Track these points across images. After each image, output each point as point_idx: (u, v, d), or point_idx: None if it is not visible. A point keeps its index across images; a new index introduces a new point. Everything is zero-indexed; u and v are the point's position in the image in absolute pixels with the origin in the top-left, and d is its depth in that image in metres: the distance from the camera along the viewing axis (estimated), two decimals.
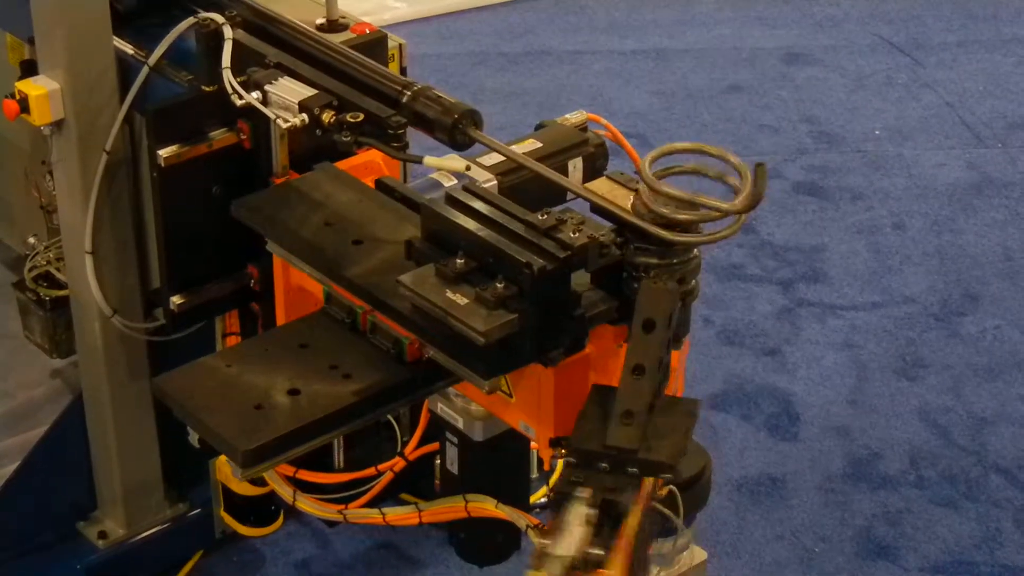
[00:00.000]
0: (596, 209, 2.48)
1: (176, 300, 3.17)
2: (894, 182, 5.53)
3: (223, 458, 3.29)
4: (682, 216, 2.38)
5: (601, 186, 2.46)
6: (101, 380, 3.42)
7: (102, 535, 3.63)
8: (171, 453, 3.59)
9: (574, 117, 2.95)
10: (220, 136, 3.09)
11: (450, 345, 2.45)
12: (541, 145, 2.75)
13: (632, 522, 2.21)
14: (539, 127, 2.84)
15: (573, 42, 6.47)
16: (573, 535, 2.20)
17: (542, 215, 2.43)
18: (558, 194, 2.66)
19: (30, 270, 3.55)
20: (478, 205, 2.48)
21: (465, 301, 2.34)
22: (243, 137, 3.04)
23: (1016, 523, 4.05)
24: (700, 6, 6.80)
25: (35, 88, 3.10)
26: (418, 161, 2.72)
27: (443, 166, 2.69)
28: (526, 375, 2.51)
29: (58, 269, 3.52)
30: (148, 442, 3.55)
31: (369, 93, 2.78)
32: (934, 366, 4.61)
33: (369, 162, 3.00)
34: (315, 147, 2.95)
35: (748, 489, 4.13)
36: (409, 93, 2.72)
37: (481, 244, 2.40)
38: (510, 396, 2.58)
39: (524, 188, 2.71)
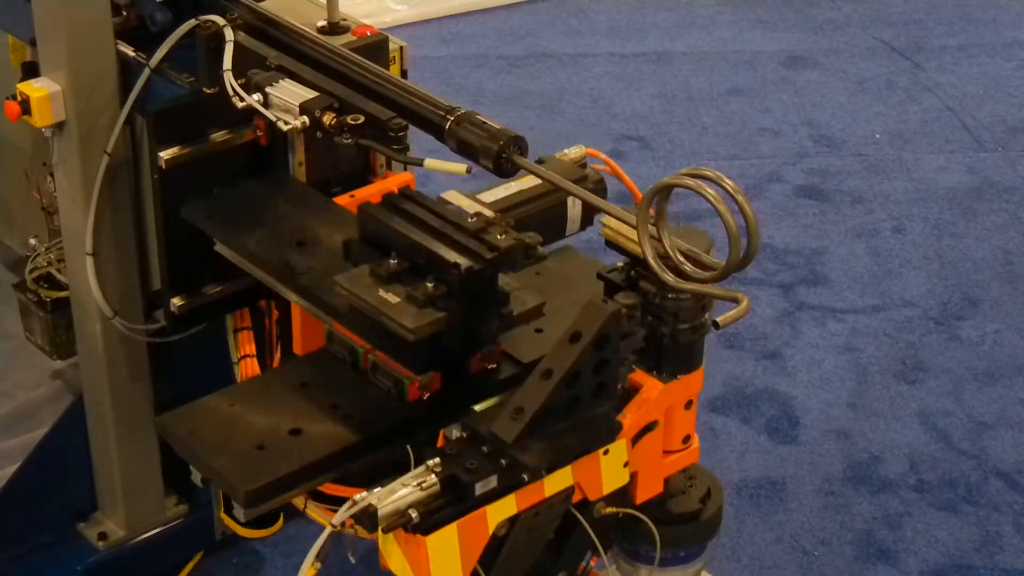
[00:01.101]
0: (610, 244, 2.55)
1: (176, 302, 3.17)
2: (894, 186, 5.54)
3: None
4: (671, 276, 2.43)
5: (616, 221, 2.50)
6: (102, 381, 3.42)
7: (102, 536, 3.64)
8: (171, 454, 3.58)
9: (573, 152, 2.97)
10: (221, 138, 3.09)
11: (385, 342, 2.49)
12: (540, 181, 2.77)
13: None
14: (538, 162, 2.86)
15: (574, 45, 6.48)
16: (393, 491, 2.27)
17: (472, 218, 2.50)
18: (558, 230, 2.75)
19: (31, 271, 3.55)
20: (412, 208, 2.56)
21: (396, 300, 2.41)
22: (260, 134, 3.04)
23: (1016, 527, 4.05)
24: (701, 9, 6.80)
25: (36, 90, 3.11)
26: (419, 164, 2.72)
27: (444, 169, 2.69)
28: None
29: (59, 270, 3.52)
30: (148, 443, 3.55)
31: (410, 117, 2.79)
32: (934, 370, 4.62)
33: (386, 191, 3.02)
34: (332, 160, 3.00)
35: (748, 492, 4.13)
36: (452, 119, 2.71)
37: (413, 245, 2.48)
38: None
39: (526, 225, 2.73)
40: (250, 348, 3.25)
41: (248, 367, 3.25)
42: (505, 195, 2.71)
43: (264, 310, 3.20)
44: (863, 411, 4.44)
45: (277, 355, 3.23)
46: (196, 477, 2.55)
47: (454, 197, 2.74)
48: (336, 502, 3.12)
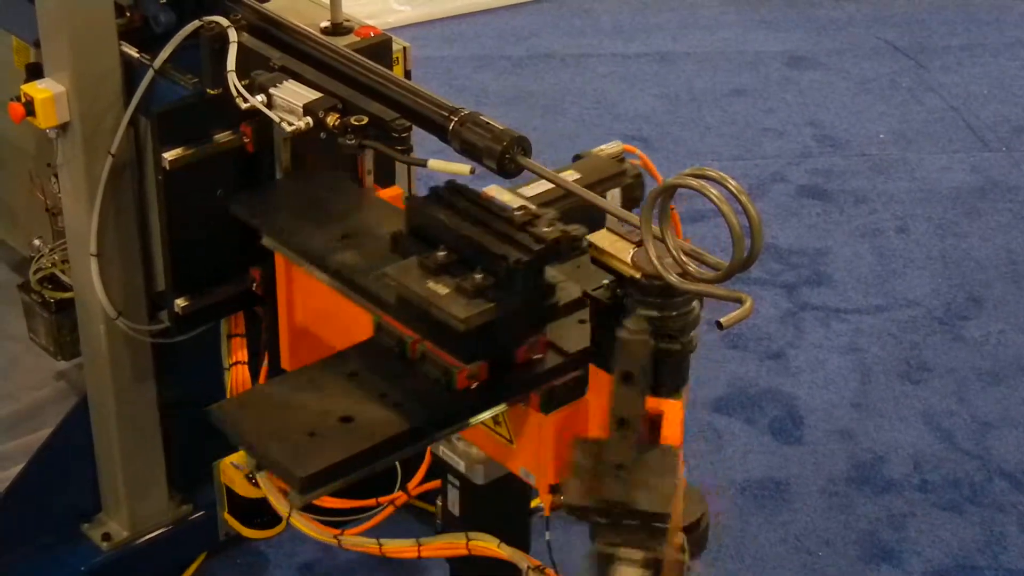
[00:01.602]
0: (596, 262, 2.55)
1: (181, 302, 3.17)
2: (898, 186, 5.54)
3: (227, 460, 3.30)
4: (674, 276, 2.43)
5: (603, 239, 2.50)
6: (106, 382, 3.43)
7: (106, 537, 3.64)
8: (175, 455, 3.59)
9: (610, 148, 2.98)
10: (225, 139, 3.09)
11: (434, 333, 2.50)
12: (580, 176, 2.79)
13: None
14: (576, 158, 2.87)
15: (577, 45, 6.48)
16: None
17: (518, 211, 2.51)
18: (597, 224, 2.71)
19: (35, 272, 3.55)
20: (459, 201, 2.57)
21: (446, 291, 2.43)
22: (247, 140, 3.04)
23: (1020, 527, 4.05)
24: (704, 9, 6.80)
25: (40, 91, 3.11)
26: (422, 164, 2.73)
27: (448, 170, 2.69)
28: (526, 422, 2.58)
29: (63, 271, 3.52)
30: (152, 444, 3.55)
31: (414, 118, 2.80)
32: (938, 370, 4.62)
33: (392, 198, 3.05)
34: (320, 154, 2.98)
35: (751, 492, 4.13)
36: (456, 119, 2.72)
37: (461, 238, 2.50)
38: (510, 442, 2.64)
39: (567, 219, 2.74)
40: (242, 355, 3.26)
41: (238, 374, 3.25)
42: (546, 189, 2.72)
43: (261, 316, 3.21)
44: (867, 411, 4.44)
45: (265, 365, 3.25)
46: (250, 463, 2.58)
47: (496, 192, 2.75)
48: (323, 512, 3.15)
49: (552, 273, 2.54)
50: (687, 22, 6.69)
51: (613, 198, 2.83)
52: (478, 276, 2.44)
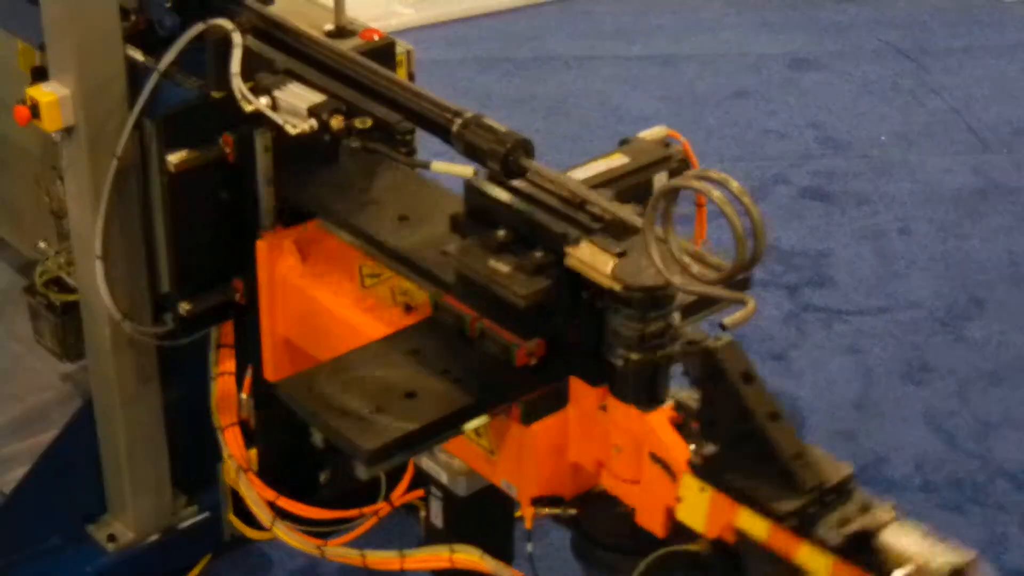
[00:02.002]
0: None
1: (185, 305, 3.19)
2: (900, 187, 5.55)
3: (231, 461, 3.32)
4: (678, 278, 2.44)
5: (583, 250, 2.52)
6: (111, 384, 3.44)
7: (111, 538, 3.65)
8: (180, 457, 3.60)
9: (655, 132, 3.00)
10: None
11: (494, 310, 2.56)
12: (628, 160, 2.81)
13: None
14: (623, 143, 2.89)
15: (580, 48, 6.49)
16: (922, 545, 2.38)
17: (576, 191, 2.57)
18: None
19: (40, 275, 3.56)
20: (517, 182, 2.63)
21: (507, 269, 2.51)
22: (228, 150, 3.05)
23: (1022, 527, 4.06)
24: (706, 12, 6.81)
25: (45, 94, 3.12)
26: (425, 166, 2.74)
27: (452, 172, 2.71)
28: (507, 433, 2.60)
29: (68, 274, 3.53)
30: (157, 446, 3.56)
31: (417, 121, 2.81)
32: (940, 371, 4.62)
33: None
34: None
35: None
36: (459, 121, 2.73)
37: (520, 217, 2.56)
38: (492, 453, 2.65)
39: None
40: (229, 365, 3.27)
41: (224, 384, 3.27)
42: (595, 173, 2.74)
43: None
44: (869, 412, 4.44)
45: (249, 376, 3.27)
46: (317, 438, 2.60)
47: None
48: (304, 523, 3.16)
49: None
50: (689, 24, 6.70)
51: (660, 181, 2.85)
52: (538, 254, 2.50)
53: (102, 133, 3.15)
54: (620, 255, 2.46)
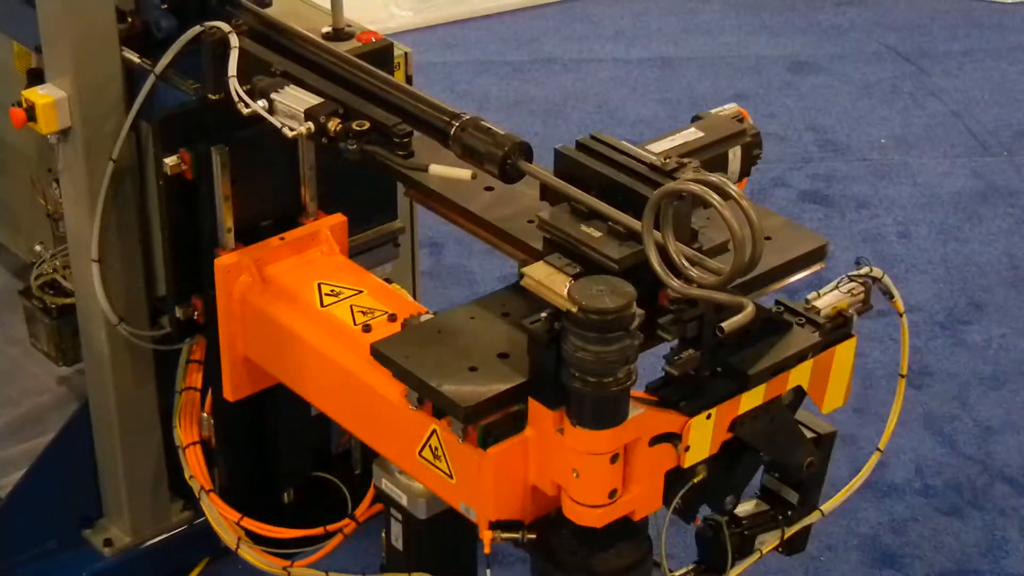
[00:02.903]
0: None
1: (181, 308, 3.18)
2: (899, 190, 5.53)
3: None
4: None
5: (539, 271, 2.51)
6: (107, 387, 3.43)
7: (108, 543, 3.64)
8: (177, 460, 3.59)
9: (727, 109, 3.00)
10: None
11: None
12: (703, 135, 2.83)
13: None
14: (695, 119, 2.90)
15: (579, 50, 6.48)
16: None
17: (664, 159, 2.60)
18: None
19: (36, 278, 3.55)
20: (606, 151, 2.67)
21: (599, 234, 2.56)
22: (184, 167, 3.03)
23: (1022, 532, 4.05)
24: (705, 14, 6.80)
25: (42, 96, 3.11)
26: (423, 169, 2.73)
27: (449, 175, 2.70)
28: (465, 457, 2.60)
29: (64, 277, 3.52)
30: (154, 449, 3.55)
31: (415, 123, 2.81)
32: (939, 374, 4.61)
33: (317, 232, 3.09)
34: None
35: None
36: (457, 124, 2.73)
37: (612, 184, 2.61)
38: (450, 477, 2.65)
39: None
40: (195, 380, 3.26)
41: (188, 398, 3.26)
42: (671, 146, 2.75)
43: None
44: (868, 416, 4.43)
45: (209, 395, 3.27)
46: (412, 397, 2.61)
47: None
48: (269, 544, 3.16)
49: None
50: (688, 27, 6.69)
51: (735, 155, 2.85)
52: (629, 220, 2.52)
53: (98, 136, 3.15)
54: (576, 277, 2.46)
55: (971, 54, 6.51)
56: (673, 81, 6.24)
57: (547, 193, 2.68)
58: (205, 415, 3.27)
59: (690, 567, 2.89)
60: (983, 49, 6.55)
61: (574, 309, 2.37)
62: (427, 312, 2.82)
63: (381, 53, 3.27)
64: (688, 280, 2.42)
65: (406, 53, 3.41)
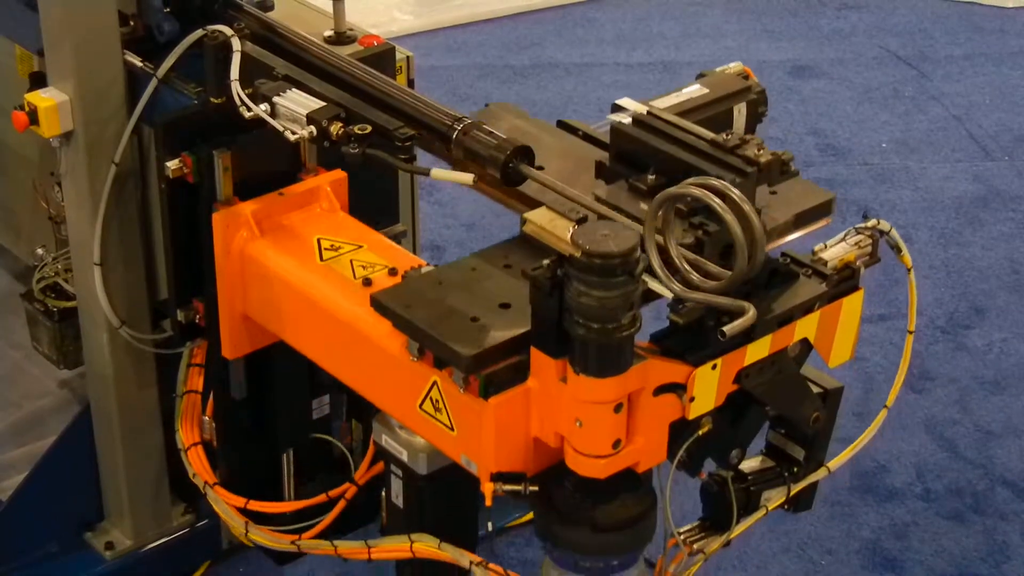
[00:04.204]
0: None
1: (183, 312, 3.18)
2: (901, 195, 5.54)
3: None
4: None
5: (542, 216, 2.50)
6: (109, 391, 3.43)
7: (109, 546, 3.64)
8: (178, 464, 3.59)
9: (732, 67, 3.00)
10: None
11: None
12: (708, 91, 2.82)
13: None
14: (700, 76, 2.89)
15: (580, 54, 6.48)
16: None
17: (726, 135, 2.59)
18: None
19: (38, 281, 3.56)
20: (665, 127, 2.65)
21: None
22: (187, 171, 3.04)
23: (1023, 536, 4.05)
24: (707, 19, 6.80)
25: (44, 100, 3.11)
26: (425, 173, 2.73)
27: (451, 179, 2.70)
28: (467, 408, 2.57)
29: (66, 280, 3.52)
30: (155, 453, 3.55)
31: (417, 127, 2.81)
32: (940, 379, 4.61)
33: (317, 188, 3.06)
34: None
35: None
36: (459, 128, 2.73)
37: (671, 161, 2.59)
38: (451, 429, 2.63)
39: None
40: (196, 383, 3.26)
41: (190, 402, 3.26)
42: (676, 102, 2.76)
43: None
44: (869, 420, 4.39)
45: (211, 399, 3.27)
46: (412, 348, 2.59)
47: (628, 103, 2.78)
48: (268, 521, 3.16)
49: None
50: (690, 31, 6.69)
51: (740, 112, 2.85)
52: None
53: (101, 139, 3.15)
54: (579, 221, 2.43)
55: (972, 58, 6.51)
56: (674, 85, 6.21)
57: (602, 170, 2.66)
58: (207, 418, 3.27)
59: (695, 523, 2.87)
60: (984, 53, 6.55)
61: (577, 253, 2.33)
62: (428, 265, 2.79)
63: (383, 57, 3.28)
64: (689, 285, 2.42)
65: (408, 57, 3.41)
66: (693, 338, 2.53)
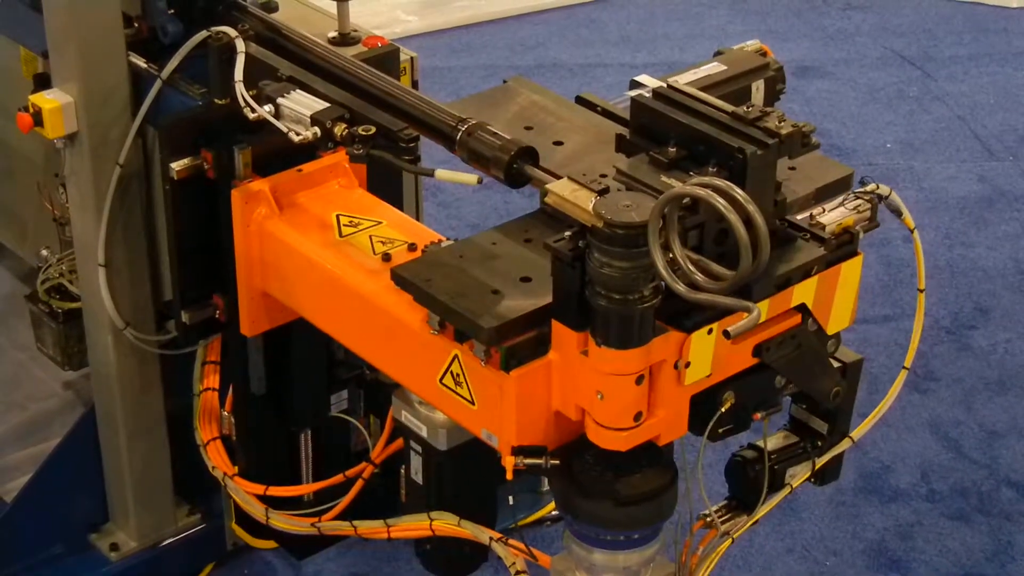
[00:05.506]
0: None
1: (188, 313, 3.18)
2: (905, 195, 5.49)
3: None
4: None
5: (563, 187, 2.49)
6: (113, 392, 3.43)
7: (114, 547, 3.64)
8: (183, 465, 3.59)
9: (751, 45, 2.99)
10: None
11: None
12: (726, 68, 2.82)
13: None
14: (717, 53, 2.89)
15: (584, 55, 6.48)
16: None
17: (747, 107, 2.57)
18: None
19: (43, 282, 3.56)
20: (685, 100, 2.64)
21: (679, 184, 2.48)
22: (207, 167, 3.04)
23: None
24: (711, 20, 6.80)
25: (48, 101, 3.12)
26: (430, 174, 2.73)
27: (455, 179, 2.70)
28: (487, 380, 2.56)
29: (71, 281, 3.52)
30: (160, 454, 3.56)
31: (421, 128, 2.81)
32: (945, 379, 4.61)
33: (336, 164, 3.06)
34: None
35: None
36: (463, 129, 2.73)
37: (692, 133, 2.57)
38: (472, 403, 2.61)
39: None
40: (213, 381, 3.26)
41: (208, 400, 3.26)
42: (694, 79, 2.76)
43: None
44: (875, 420, 4.43)
45: (231, 394, 3.27)
46: (433, 321, 2.59)
47: (647, 80, 2.78)
48: (284, 505, 3.15)
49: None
50: (694, 32, 6.69)
51: (758, 89, 2.85)
52: (712, 170, 2.50)
53: (105, 140, 3.15)
54: (601, 192, 2.43)
55: (977, 59, 6.51)
56: None
57: (623, 143, 2.66)
58: (226, 413, 3.27)
59: (722, 503, 2.86)
60: (989, 54, 6.55)
61: (599, 224, 2.34)
62: (447, 240, 2.79)
63: (387, 58, 3.28)
64: (693, 285, 2.41)
65: (412, 58, 3.41)
66: (688, 304, 2.50)
